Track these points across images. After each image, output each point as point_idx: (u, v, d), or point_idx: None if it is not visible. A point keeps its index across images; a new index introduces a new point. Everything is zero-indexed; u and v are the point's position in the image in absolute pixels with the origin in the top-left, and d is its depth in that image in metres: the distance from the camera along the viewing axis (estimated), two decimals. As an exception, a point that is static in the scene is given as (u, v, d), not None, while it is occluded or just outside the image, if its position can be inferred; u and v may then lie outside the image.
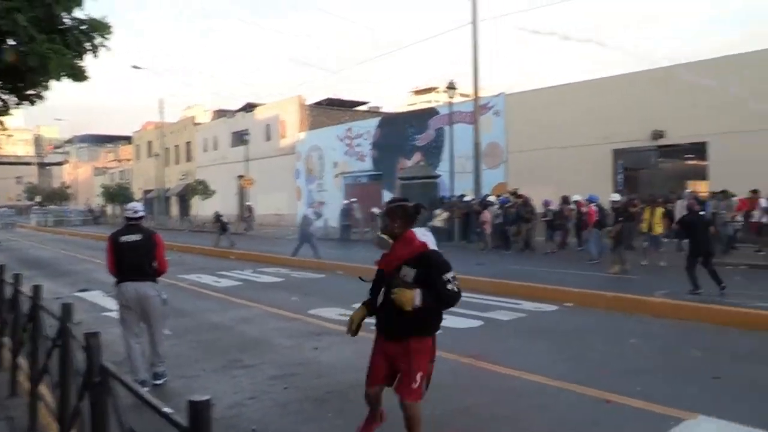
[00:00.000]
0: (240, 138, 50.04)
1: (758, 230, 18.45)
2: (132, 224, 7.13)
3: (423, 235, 4.75)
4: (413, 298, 4.42)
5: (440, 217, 25.63)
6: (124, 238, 6.99)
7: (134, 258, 6.94)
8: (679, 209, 19.91)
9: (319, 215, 21.66)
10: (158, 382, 6.97)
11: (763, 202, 18.51)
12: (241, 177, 45.90)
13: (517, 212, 22.56)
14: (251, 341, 9.05)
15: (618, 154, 26.17)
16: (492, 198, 25.09)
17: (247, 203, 42.88)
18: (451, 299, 4.54)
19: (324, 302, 12.29)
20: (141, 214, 7.21)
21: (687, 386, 6.57)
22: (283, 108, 48.35)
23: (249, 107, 54.07)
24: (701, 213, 13.10)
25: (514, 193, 24.12)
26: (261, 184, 45.98)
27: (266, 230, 41.20)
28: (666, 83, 24.70)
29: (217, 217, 28.55)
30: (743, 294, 11.64)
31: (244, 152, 45.90)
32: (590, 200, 19.70)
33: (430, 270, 4.49)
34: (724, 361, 7.59)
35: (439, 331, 9.46)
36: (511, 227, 22.76)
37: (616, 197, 18.52)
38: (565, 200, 21.99)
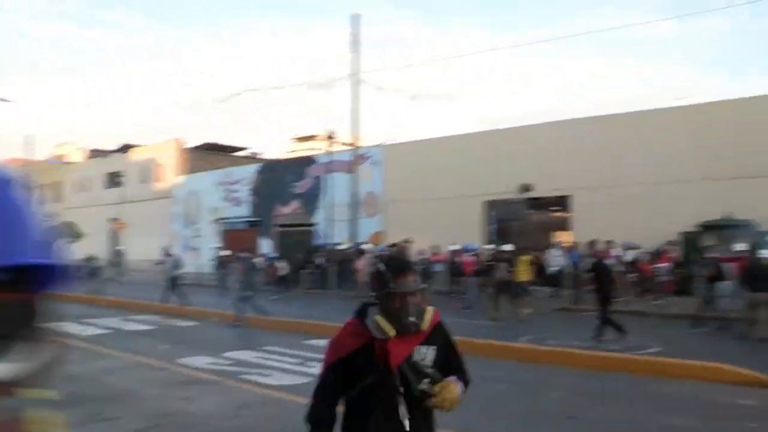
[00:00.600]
0: (114, 179, 48.28)
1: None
2: None
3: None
4: (459, 393, 2.89)
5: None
6: None
7: None
8: (552, 258, 20.98)
9: (175, 261, 21.09)
10: None
11: (615, 252, 19.78)
12: (113, 220, 44.13)
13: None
14: (115, 392, 8.65)
15: (490, 205, 27.28)
16: (367, 246, 25.41)
17: (118, 247, 41.24)
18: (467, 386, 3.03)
19: (195, 350, 11.96)
20: None
21: (546, 426, 6.88)
22: (160, 150, 47.18)
23: (125, 148, 52.39)
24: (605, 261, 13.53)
25: (393, 245, 24.52)
26: (135, 227, 44.33)
27: (139, 276, 39.64)
28: (535, 139, 26.16)
29: (88, 261, 27.22)
30: (602, 339, 12.34)
31: (119, 194, 44.26)
32: (466, 249, 20.32)
33: (448, 346, 3.02)
34: (580, 402, 8.00)
35: (308, 380, 9.48)
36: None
37: (490, 247, 19.30)
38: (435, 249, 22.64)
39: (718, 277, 14.72)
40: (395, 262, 3.02)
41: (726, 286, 14.64)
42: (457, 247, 21.60)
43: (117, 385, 9.15)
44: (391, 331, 2.84)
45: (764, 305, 12.94)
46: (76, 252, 48.54)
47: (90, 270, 26.65)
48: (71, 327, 15.78)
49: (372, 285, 2.99)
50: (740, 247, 14.20)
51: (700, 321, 14.79)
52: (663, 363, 9.88)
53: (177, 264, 21.19)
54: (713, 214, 20.96)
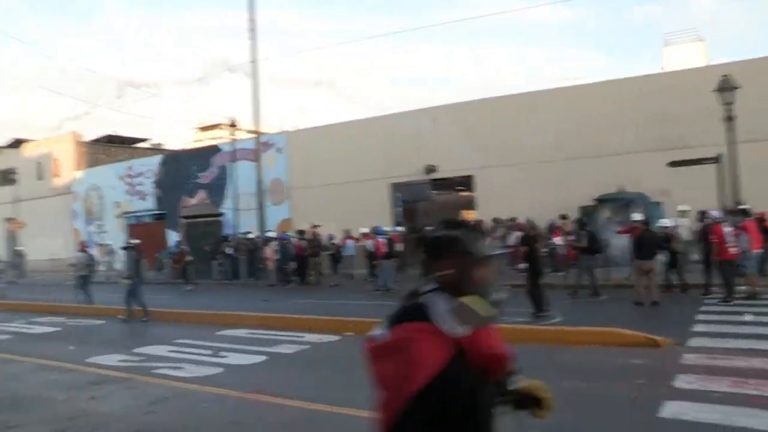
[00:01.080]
0: (6, 177, 45.88)
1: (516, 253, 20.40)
2: None
3: None
4: None
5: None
6: None
7: None
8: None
9: (88, 258, 20.41)
10: None
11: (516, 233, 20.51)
12: (9, 220, 41.98)
13: (310, 247, 23.04)
14: (19, 399, 8.39)
15: (396, 187, 27.65)
16: (271, 234, 25.33)
17: (17, 248, 39.33)
18: None
19: (103, 349, 11.71)
20: None
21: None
22: (56, 145, 45.09)
23: (16, 143, 49.77)
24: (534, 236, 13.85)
25: (301, 232, 24.51)
26: (33, 227, 42.28)
27: (40, 277, 38.04)
28: (438, 121, 26.64)
29: None
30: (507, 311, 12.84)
31: (12, 192, 42.04)
32: (377, 232, 20.48)
33: None
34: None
35: (221, 370, 9.49)
36: (292, 263, 23.15)
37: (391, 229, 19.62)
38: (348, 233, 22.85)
39: (593, 248, 15.58)
40: (469, 225, 2.37)
41: (600, 256, 15.82)
42: (366, 230, 21.81)
43: (21, 390, 8.87)
44: (491, 311, 2.19)
45: (649, 272, 13.79)
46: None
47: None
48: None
49: (430, 261, 2.34)
50: (637, 217, 15.07)
51: (579, 290, 15.66)
52: (564, 331, 10.44)
53: (89, 262, 20.43)
54: (608, 188, 22.07)
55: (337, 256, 22.95)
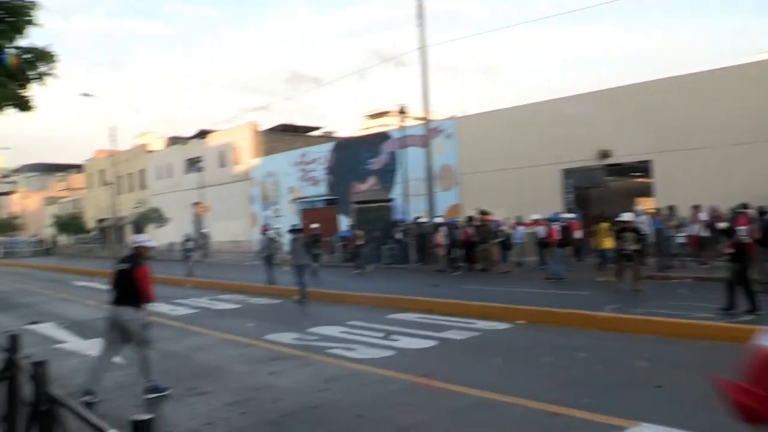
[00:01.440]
0: (194, 165, 49.71)
1: (698, 243, 19.03)
2: (130, 253, 8.05)
3: None
4: None
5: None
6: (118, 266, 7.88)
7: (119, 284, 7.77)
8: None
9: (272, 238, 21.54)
10: (151, 395, 7.52)
11: (702, 216, 19.12)
12: (196, 204, 45.50)
13: (478, 233, 22.83)
14: (207, 368, 9.03)
15: (567, 173, 26.74)
16: (440, 219, 25.33)
17: (203, 230, 42.58)
18: None
19: (280, 327, 12.27)
20: (140, 244, 8.04)
21: (631, 396, 6.79)
22: (236, 134, 48.24)
23: (202, 134, 53.78)
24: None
25: (470, 218, 24.32)
26: (216, 210, 45.62)
27: (223, 257, 40.85)
28: (612, 104, 25.42)
29: (186, 241, 27.95)
30: (688, 306, 12.02)
31: (199, 179, 45.60)
32: (552, 219, 19.87)
33: None
34: (666, 371, 7.85)
35: (392, 353, 9.63)
36: (459, 249, 23.04)
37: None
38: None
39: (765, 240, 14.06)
40: None
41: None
42: (538, 216, 21.16)
43: (208, 361, 9.54)
44: None
45: None
46: (162, 236, 50.57)
47: (185, 252, 27.39)
48: (163, 307, 16.49)
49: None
50: None
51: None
52: (750, 330, 9.55)
53: (270, 244, 21.65)
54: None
55: (506, 243, 22.56)
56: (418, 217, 27.15)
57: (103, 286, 23.71)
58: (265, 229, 21.92)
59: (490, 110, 30.25)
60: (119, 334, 7.74)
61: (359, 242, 25.75)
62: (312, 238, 21.71)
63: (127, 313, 7.66)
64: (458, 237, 22.99)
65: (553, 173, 26.89)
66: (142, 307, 7.73)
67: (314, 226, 23.26)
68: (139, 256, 7.95)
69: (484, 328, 11.31)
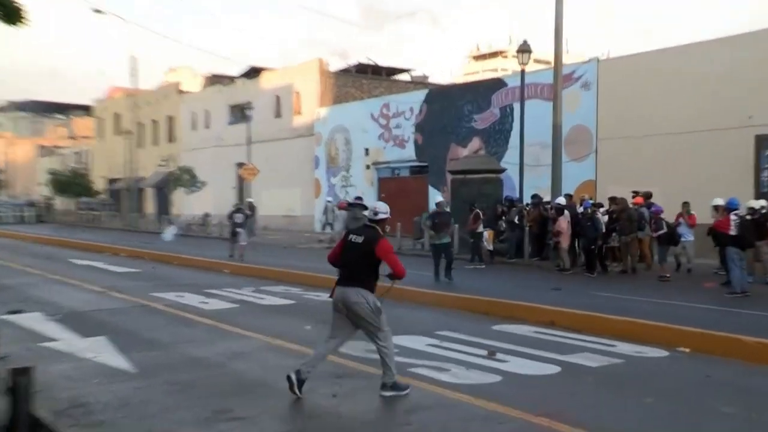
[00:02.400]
0: (241, 113, 50.42)
1: None
2: (366, 225, 9.09)
3: None
4: None
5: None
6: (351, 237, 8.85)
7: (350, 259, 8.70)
8: None
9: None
10: (386, 393, 8.37)
11: None
12: (241, 165, 46.17)
13: (619, 222, 22.26)
14: (246, 384, 8.97)
15: (763, 141, 25.55)
16: (562, 200, 24.68)
17: (249, 200, 43.08)
18: None
19: None
20: (382, 216, 8.94)
21: None
22: (298, 75, 48.62)
23: (253, 72, 54.53)
24: None
25: (612, 199, 23.70)
26: (267, 175, 46.16)
27: (273, 236, 41.39)
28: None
29: (235, 212, 27.82)
30: None
31: (246, 132, 46.10)
32: (730, 206, 18.64)
33: None
34: None
35: (499, 378, 9.35)
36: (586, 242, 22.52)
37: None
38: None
39: None
40: None
41: None
42: (720, 202, 19.82)
43: (248, 373, 9.48)
44: None
45: None
46: (195, 204, 51.55)
47: (233, 226, 27.29)
48: (191, 299, 16.66)
49: None
50: None
51: None
52: None
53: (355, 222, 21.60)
54: None
55: (668, 237, 21.61)
56: (536, 196, 26.63)
57: (114, 266, 24.54)
58: (342, 206, 21.71)
59: (648, 50, 29.29)
60: (347, 320, 8.63)
61: (478, 227, 25.31)
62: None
63: (356, 294, 8.46)
64: (598, 226, 22.36)
65: (740, 141, 25.77)
66: (373, 287, 8.66)
67: (440, 200, 22.41)
68: (380, 228, 8.84)
69: (629, 353, 10.90)
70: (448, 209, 19.71)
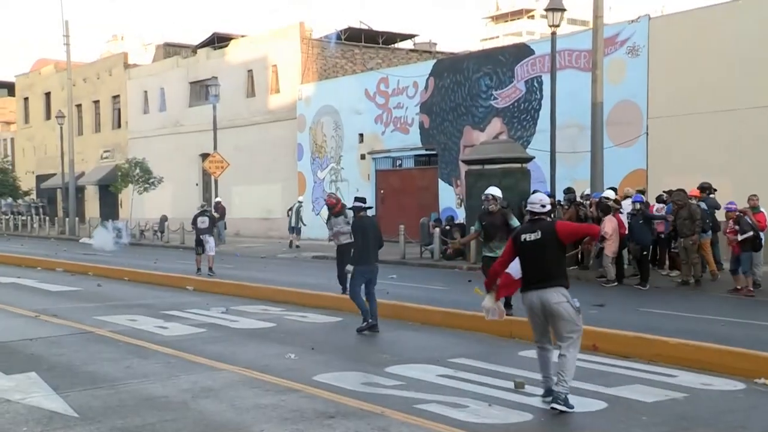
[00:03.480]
0: (204, 92, 50.36)
1: None
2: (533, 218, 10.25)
3: None
4: None
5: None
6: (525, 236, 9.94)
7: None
8: None
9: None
10: (558, 406, 9.32)
11: None
12: (205, 156, 46.09)
13: (681, 220, 22.18)
14: (215, 428, 8.96)
15: None
16: (610, 194, 24.63)
17: (216, 199, 43.04)
18: None
19: (338, 362, 12.29)
20: (549, 207, 10.37)
21: None
22: (274, 43, 48.57)
23: (217, 41, 54.41)
24: None
25: (669, 192, 23.67)
26: (239, 168, 46.11)
27: (246, 243, 41.35)
28: None
29: (199, 215, 27.53)
30: None
31: (211, 116, 46.00)
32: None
33: None
34: None
35: (530, 417, 9.36)
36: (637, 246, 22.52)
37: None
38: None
39: None
40: None
41: None
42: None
43: (218, 415, 9.44)
44: None
45: None
46: (150, 205, 51.54)
47: (199, 232, 27.07)
48: (145, 323, 16.64)
49: None
50: None
51: None
52: None
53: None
54: None
55: (752, 241, 21.50)
56: (569, 190, 26.56)
57: (48, 284, 24.42)
58: (330, 202, 21.28)
59: (717, 2, 29.14)
60: (544, 323, 9.86)
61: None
62: None
63: (557, 294, 9.57)
64: (651, 226, 22.32)
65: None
66: (568, 283, 9.80)
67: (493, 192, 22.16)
68: (548, 216, 10.30)
69: (694, 385, 10.91)
70: (504, 204, 18.49)
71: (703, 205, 22.42)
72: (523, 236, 9.85)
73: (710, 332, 14.00)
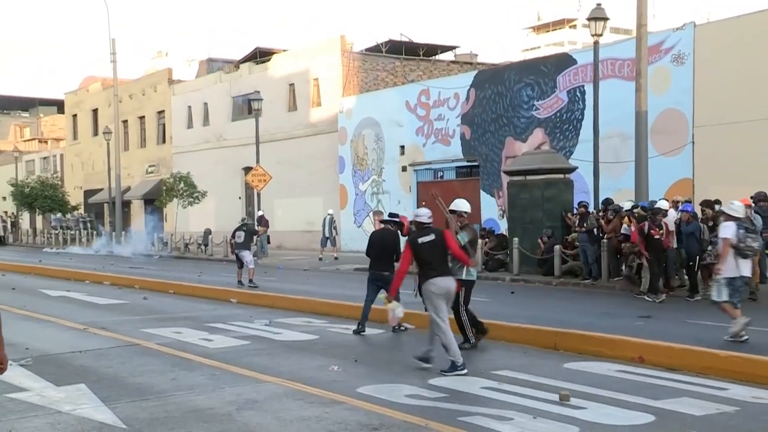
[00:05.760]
0: (247, 106, 50.57)
1: None
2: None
3: None
4: None
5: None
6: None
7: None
8: None
9: None
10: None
11: None
12: (248, 170, 46.26)
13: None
14: (260, 440, 8.91)
15: None
16: (664, 204, 24.42)
17: (259, 212, 43.10)
18: None
19: (384, 375, 12.26)
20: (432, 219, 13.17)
21: None
22: (315, 57, 48.69)
23: (260, 56, 54.65)
24: None
25: (706, 204, 23.38)
26: (281, 181, 46.34)
27: (289, 255, 41.41)
28: None
29: (237, 230, 27.64)
30: None
31: (254, 130, 46.15)
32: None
33: None
34: None
35: (575, 430, 9.25)
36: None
37: None
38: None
39: None
40: None
41: None
42: None
43: (262, 427, 9.43)
44: None
45: None
46: (194, 220, 51.77)
47: (237, 245, 27.20)
48: (190, 335, 16.68)
49: None
50: None
51: None
52: None
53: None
54: None
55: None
56: (608, 201, 26.32)
57: (96, 298, 24.58)
58: (380, 218, 21.12)
59: (763, 9, 28.88)
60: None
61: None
62: None
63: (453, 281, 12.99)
64: (702, 237, 22.06)
65: None
66: None
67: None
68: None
69: (745, 399, 10.71)
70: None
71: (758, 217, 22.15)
72: (420, 239, 12.59)
73: (763, 344, 13.80)
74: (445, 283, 12.56)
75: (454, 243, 12.96)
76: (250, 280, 26.26)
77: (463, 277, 14.20)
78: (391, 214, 17.83)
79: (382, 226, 18.45)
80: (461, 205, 14.76)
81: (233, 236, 27.69)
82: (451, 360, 12.18)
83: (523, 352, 14.22)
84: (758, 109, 27.71)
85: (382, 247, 16.72)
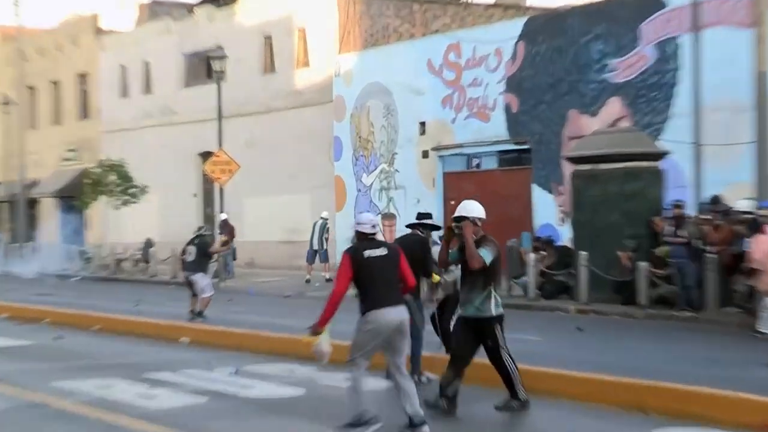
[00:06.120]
0: (204, 67, 50.49)
1: None
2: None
3: None
4: None
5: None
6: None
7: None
8: None
9: None
10: None
11: None
12: (207, 156, 46.06)
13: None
14: None
15: None
16: (744, 202, 24.39)
17: (222, 216, 42.90)
18: None
19: None
20: (377, 229, 13.08)
21: None
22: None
23: (222, -3, 54.65)
24: None
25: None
26: (253, 172, 46.27)
27: (264, 276, 41.49)
28: None
29: (197, 237, 27.66)
30: None
31: (215, 100, 45.93)
32: None
33: None
34: None
35: None
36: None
37: None
38: None
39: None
40: None
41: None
42: None
43: None
44: None
45: None
46: (129, 227, 51.90)
47: (183, 268, 27.49)
48: (124, 390, 16.49)
49: None
50: None
51: None
52: None
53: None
54: None
55: None
56: (716, 199, 26.18)
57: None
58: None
59: None
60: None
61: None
62: None
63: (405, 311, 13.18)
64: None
65: None
66: None
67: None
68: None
69: None
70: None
71: None
72: (366, 253, 12.61)
73: None
74: (396, 316, 12.68)
75: (405, 262, 13.16)
76: (200, 312, 26.07)
77: (493, 312, 14.18)
78: (421, 215, 17.63)
79: (393, 234, 18.47)
80: (474, 209, 14.17)
81: (183, 252, 27.56)
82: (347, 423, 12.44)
83: (598, 415, 14.01)
84: None
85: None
